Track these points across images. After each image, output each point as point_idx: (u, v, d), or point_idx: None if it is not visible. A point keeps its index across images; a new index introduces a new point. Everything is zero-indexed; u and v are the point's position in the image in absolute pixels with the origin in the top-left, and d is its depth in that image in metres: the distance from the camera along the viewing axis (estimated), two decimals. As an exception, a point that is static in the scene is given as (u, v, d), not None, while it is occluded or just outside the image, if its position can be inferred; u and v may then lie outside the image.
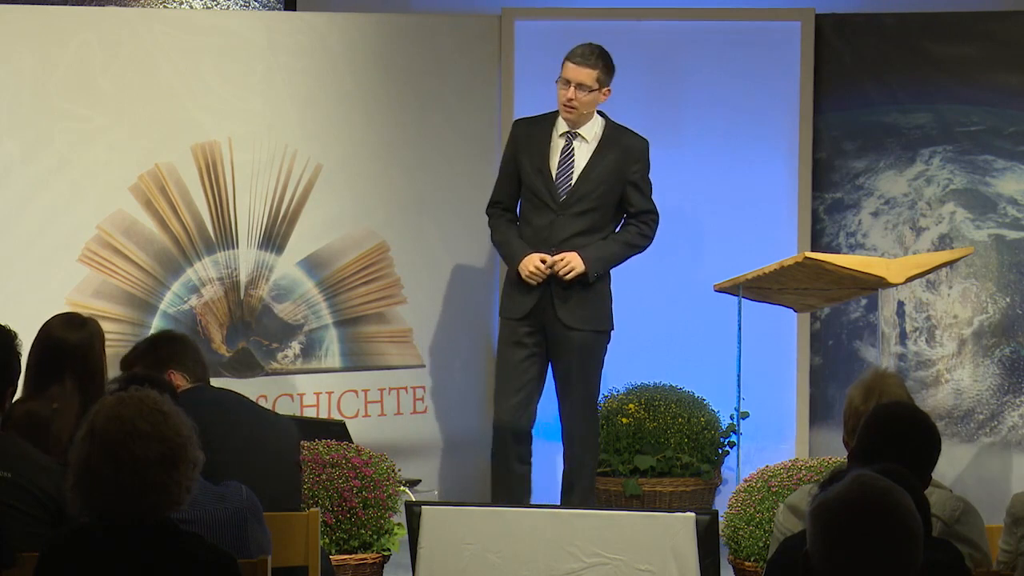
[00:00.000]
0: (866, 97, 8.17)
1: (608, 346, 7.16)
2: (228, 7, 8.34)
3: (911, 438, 4.05)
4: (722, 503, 6.90)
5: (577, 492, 7.07)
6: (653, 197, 7.19)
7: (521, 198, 7.17)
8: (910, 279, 7.32)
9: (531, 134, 7.14)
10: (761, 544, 6.03)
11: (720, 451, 7.82)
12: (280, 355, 7.78)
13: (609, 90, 7.08)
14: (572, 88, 7.01)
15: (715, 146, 8.19)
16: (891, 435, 4.03)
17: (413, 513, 5.29)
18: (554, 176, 7.06)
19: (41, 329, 4.86)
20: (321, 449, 6.29)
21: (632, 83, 8.16)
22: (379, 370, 7.91)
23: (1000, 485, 7.64)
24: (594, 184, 7.04)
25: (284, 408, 7.52)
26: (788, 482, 6.06)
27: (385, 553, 6.31)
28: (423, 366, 7.95)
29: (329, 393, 7.81)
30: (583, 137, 7.09)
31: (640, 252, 7.16)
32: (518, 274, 7.03)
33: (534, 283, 6.98)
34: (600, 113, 7.15)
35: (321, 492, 6.12)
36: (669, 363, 8.06)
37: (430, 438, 7.94)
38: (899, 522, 2.92)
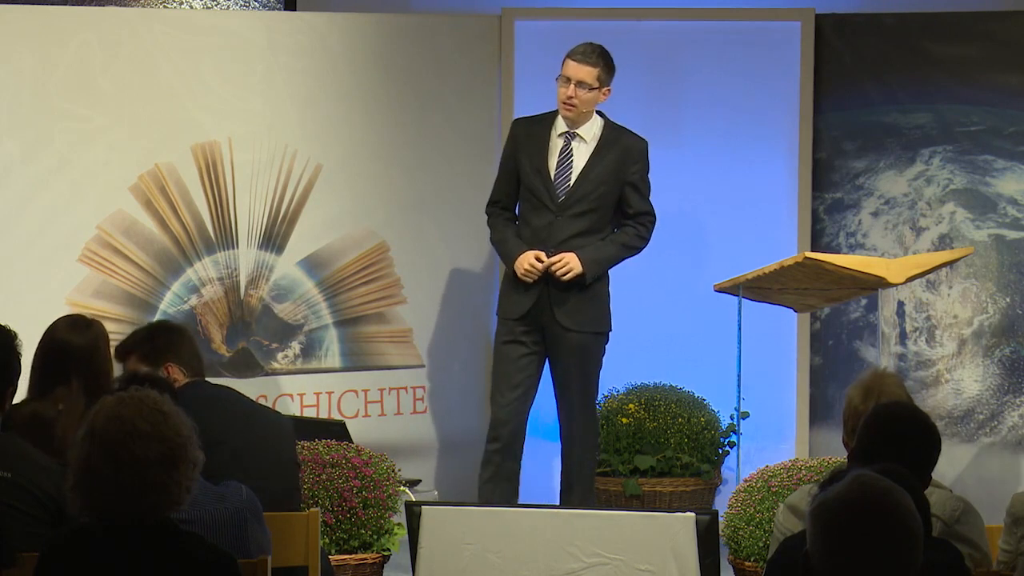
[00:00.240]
0: (866, 97, 8.17)
1: (606, 347, 7.16)
2: (228, 7, 8.34)
3: (911, 438, 4.05)
4: (722, 503, 6.91)
5: (577, 493, 7.07)
6: (653, 197, 7.19)
7: (520, 198, 7.16)
8: (910, 279, 7.32)
9: (530, 134, 7.13)
10: (761, 544, 6.03)
11: (720, 451, 7.82)
12: (280, 355, 7.78)
13: (609, 90, 7.07)
14: (572, 86, 7.00)
15: (715, 146, 8.19)
16: (891, 435, 4.03)
17: (413, 513, 5.29)
18: (552, 176, 7.05)
19: (46, 332, 4.85)
20: (321, 449, 6.29)
21: (632, 83, 8.16)
22: (379, 370, 7.91)
23: (1000, 485, 7.64)
24: (593, 185, 7.03)
25: (284, 408, 7.52)
26: (788, 482, 6.06)
27: (385, 553, 6.31)
28: (423, 366, 7.95)
29: (329, 393, 7.81)
30: (582, 137, 7.09)
31: (637, 254, 7.15)
32: (515, 273, 7.02)
33: (530, 280, 6.97)
34: (599, 113, 7.14)
35: (321, 492, 6.12)
36: (669, 363, 8.06)
37: (430, 438, 7.94)
38: (899, 522, 2.92)
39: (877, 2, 8.30)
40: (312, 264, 7.82)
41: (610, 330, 7.13)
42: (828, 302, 7.69)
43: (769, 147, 8.20)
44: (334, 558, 6.06)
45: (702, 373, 7.96)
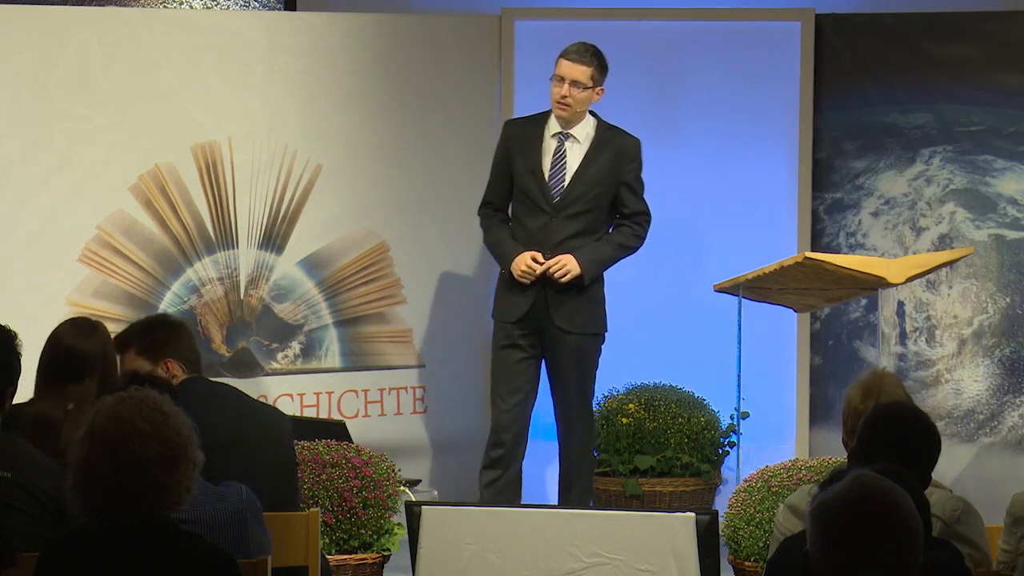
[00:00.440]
0: (866, 97, 8.17)
1: (602, 347, 7.16)
2: (228, 7, 8.34)
3: (911, 438, 4.05)
4: (722, 503, 6.91)
5: (575, 494, 7.07)
6: (653, 197, 7.19)
7: (513, 200, 7.14)
8: (910, 279, 7.32)
9: (523, 135, 7.12)
10: (761, 544, 6.03)
11: (720, 451, 7.82)
12: (280, 355, 7.78)
13: (602, 89, 7.07)
14: (566, 85, 7.00)
15: (715, 146, 8.19)
16: (891, 435, 4.03)
17: (413, 513, 5.28)
18: (547, 178, 7.04)
19: (51, 337, 4.83)
20: (321, 449, 6.29)
21: (632, 83, 8.16)
22: (379, 370, 7.91)
23: (1000, 485, 7.63)
24: (588, 186, 7.02)
25: (284, 408, 7.52)
26: (788, 482, 6.06)
27: (385, 553, 6.31)
28: (423, 366, 7.95)
29: (329, 393, 7.81)
30: (575, 138, 7.08)
31: (633, 253, 7.15)
32: (511, 275, 7.01)
33: (527, 282, 6.96)
34: (592, 113, 7.14)
35: (321, 492, 6.12)
36: (669, 363, 8.05)
37: (430, 438, 7.94)
38: (899, 522, 2.92)
39: (877, 2, 8.30)
40: (312, 264, 7.82)
41: (606, 331, 7.12)
42: (828, 302, 7.69)
43: (769, 147, 8.20)
44: (334, 558, 6.06)
45: (702, 373, 7.96)
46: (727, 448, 7.83)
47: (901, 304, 8.13)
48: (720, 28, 8.19)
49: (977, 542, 4.32)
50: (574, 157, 7.06)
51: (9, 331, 4.51)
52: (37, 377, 4.77)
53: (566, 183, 7.02)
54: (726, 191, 8.17)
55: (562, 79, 7.01)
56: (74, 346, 4.76)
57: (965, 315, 8.07)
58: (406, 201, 7.93)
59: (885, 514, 2.92)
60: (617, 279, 7.72)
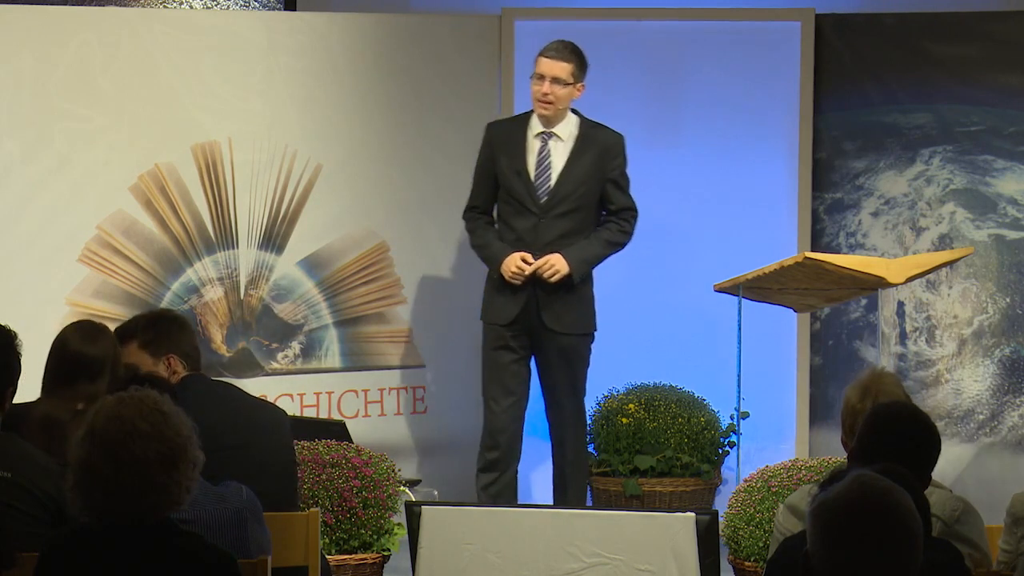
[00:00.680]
0: (866, 97, 8.17)
1: (592, 347, 7.14)
2: (228, 7, 8.34)
3: (911, 438, 4.05)
4: (722, 503, 6.91)
5: (571, 495, 7.06)
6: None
7: (499, 202, 7.13)
8: (910, 279, 7.32)
9: (506, 136, 7.10)
10: (761, 544, 6.03)
11: (720, 451, 7.82)
12: (280, 355, 7.78)
13: (583, 85, 7.07)
14: (547, 82, 6.99)
15: (715, 146, 8.19)
16: (891, 435, 4.03)
17: (413, 513, 5.29)
18: (533, 178, 7.03)
19: (57, 341, 4.82)
20: (321, 449, 6.29)
21: (632, 83, 8.16)
22: (379, 370, 7.91)
23: (1000, 485, 7.63)
24: (574, 185, 7.00)
25: (284, 408, 7.51)
26: (788, 482, 6.06)
27: (385, 553, 6.31)
28: (423, 366, 7.95)
29: (329, 393, 7.81)
30: (558, 136, 7.07)
31: (621, 249, 7.12)
32: (501, 277, 7.00)
33: (517, 283, 6.95)
34: (574, 111, 7.13)
35: (321, 492, 6.12)
36: (669, 363, 8.05)
37: (430, 438, 7.94)
38: (899, 522, 2.92)
39: (877, 2, 8.30)
40: (312, 264, 7.82)
41: (595, 330, 7.12)
42: (828, 302, 7.69)
43: (769, 147, 8.20)
44: (334, 558, 6.06)
45: (702, 373, 7.96)
46: (727, 448, 7.82)
47: (901, 304, 8.13)
48: (720, 28, 8.19)
49: (977, 542, 4.32)
50: (559, 156, 7.04)
51: (9, 331, 4.51)
52: (44, 379, 4.76)
53: (552, 183, 7.01)
54: (726, 191, 8.17)
55: (542, 77, 7.01)
56: (81, 351, 4.75)
57: (965, 315, 8.07)
58: (406, 201, 7.93)
59: (885, 514, 2.92)
60: (617, 279, 7.73)
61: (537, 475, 7.74)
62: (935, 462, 4.13)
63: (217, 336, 7.68)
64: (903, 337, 8.13)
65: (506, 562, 5.22)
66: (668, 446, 7.67)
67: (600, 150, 7.04)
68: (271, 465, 4.86)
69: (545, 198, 7.00)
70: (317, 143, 7.79)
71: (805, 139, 8.12)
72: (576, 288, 6.99)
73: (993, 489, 7.62)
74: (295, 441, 6.05)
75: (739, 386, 7.37)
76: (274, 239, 7.75)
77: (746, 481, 6.31)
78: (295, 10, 8.28)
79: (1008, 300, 8.04)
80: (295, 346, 7.81)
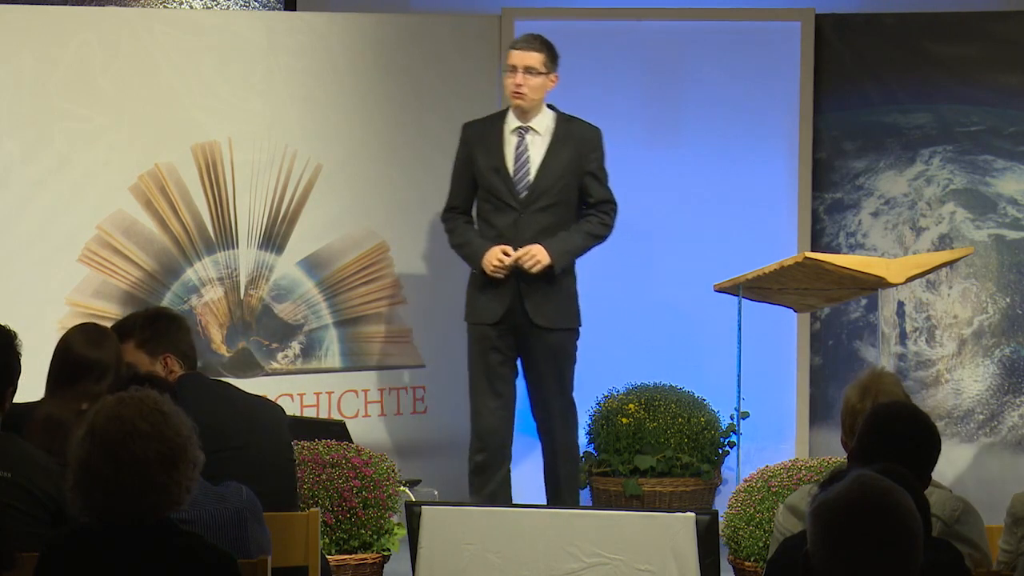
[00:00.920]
0: (866, 97, 8.17)
1: (578, 343, 7.13)
2: (228, 7, 8.34)
3: (911, 438, 4.05)
4: (722, 503, 6.90)
5: (564, 490, 7.04)
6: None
7: (478, 200, 7.12)
8: (910, 279, 7.32)
9: (483, 134, 7.10)
10: (761, 544, 6.03)
11: (720, 451, 7.82)
12: (280, 355, 7.78)
13: (556, 76, 7.07)
14: (520, 73, 6.99)
15: (715, 146, 8.19)
16: (891, 435, 4.03)
17: (413, 513, 5.29)
18: (512, 174, 7.02)
19: (61, 344, 4.82)
20: (321, 449, 6.29)
21: (632, 83, 8.16)
22: (379, 370, 7.91)
23: (1000, 485, 7.63)
24: (554, 178, 6.99)
25: (284, 408, 7.51)
26: (788, 482, 6.06)
27: (385, 553, 6.31)
28: (423, 366, 7.95)
29: (329, 393, 7.81)
30: (535, 131, 7.06)
31: (602, 242, 7.11)
32: (483, 274, 6.98)
33: (500, 276, 6.93)
34: (550, 106, 7.12)
35: (321, 492, 6.12)
36: (669, 363, 8.05)
37: (430, 438, 7.93)
38: (899, 522, 2.92)
39: (877, 2, 8.30)
40: (312, 264, 7.82)
41: (580, 326, 7.09)
42: (828, 302, 7.69)
43: (769, 147, 8.20)
44: (334, 558, 6.06)
45: (702, 373, 7.96)
46: (727, 448, 7.83)
47: (901, 304, 8.13)
48: (720, 28, 8.19)
49: (977, 542, 4.32)
50: (536, 150, 7.04)
51: (9, 331, 4.51)
52: (47, 382, 4.76)
53: (532, 177, 7.00)
54: (726, 191, 8.17)
55: (514, 68, 7.01)
56: (85, 355, 4.75)
57: (965, 315, 8.07)
58: (406, 201, 7.93)
59: (885, 514, 2.92)
60: (617, 279, 7.74)
61: (531, 474, 7.73)
62: (935, 462, 4.12)
63: (217, 336, 7.68)
64: (903, 337, 8.13)
65: (506, 562, 5.22)
66: (668, 446, 7.67)
67: (578, 143, 7.03)
68: (270, 464, 4.86)
69: (525, 193, 6.99)
70: (317, 143, 7.79)
71: (805, 139, 8.12)
72: (560, 283, 6.97)
73: (993, 489, 7.62)
74: (295, 441, 6.06)
75: (739, 386, 7.37)
76: (274, 239, 7.75)
77: (746, 481, 6.31)
78: (295, 10, 8.28)
79: (1008, 300, 8.04)
80: (295, 346, 7.81)
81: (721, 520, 6.06)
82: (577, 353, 7.12)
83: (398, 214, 7.91)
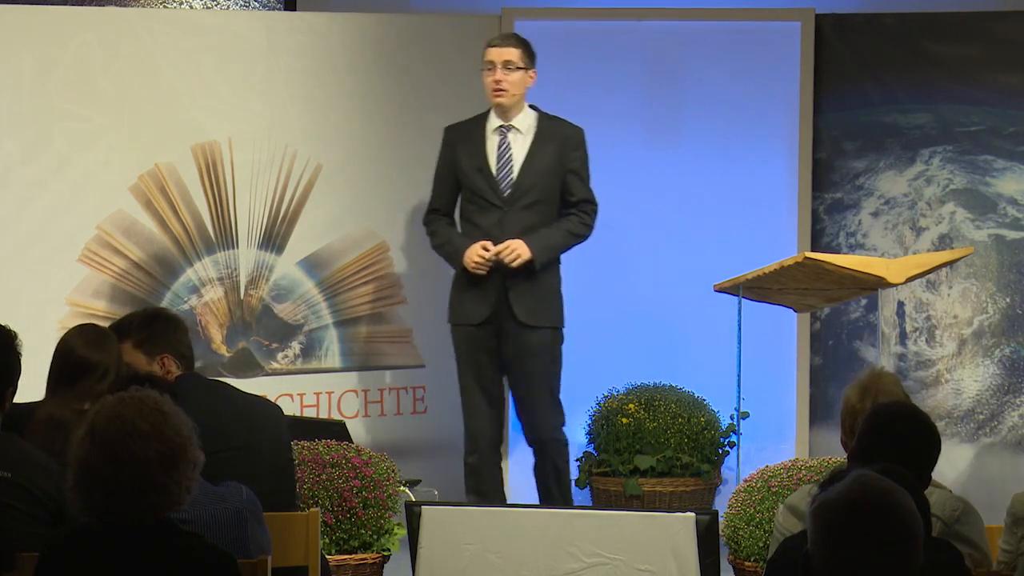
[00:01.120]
0: (866, 97, 8.18)
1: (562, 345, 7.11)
2: (228, 7, 8.34)
3: (911, 438, 4.05)
4: (722, 503, 6.90)
5: (557, 486, 7.02)
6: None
7: (462, 201, 7.11)
8: (910, 279, 7.32)
9: (464, 135, 7.09)
10: (761, 544, 6.03)
11: (720, 451, 7.82)
12: (280, 355, 7.78)
13: (535, 73, 7.06)
14: (498, 69, 6.99)
15: (715, 146, 8.19)
16: (891, 435, 4.03)
17: (413, 513, 5.29)
18: (495, 172, 7.01)
19: (61, 346, 4.82)
20: (321, 449, 6.29)
21: (632, 83, 8.16)
22: (379, 370, 7.91)
23: (1000, 485, 7.63)
24: (537, 176, 6.98)
25: (284, 408, 7.50)
26: (788, 482, 6.06)
27: (385, 553, 6.31)
28: (423, 366, 7.95)
29: (329, 393, 7.81)
30: (517, 129, 7.05)
31: (582, 242, 7.09)
32: (466, 276, 6.97)
33: (482, 272, 6.92)
34: (532, 107, 7.12)
35: (321, 492, 6.12)
36: (669, 363, 8.05)
37: (430, 438, 7.93)
38: (899, 522, 2.92)
39: (877, 2, 8.30)
40: (312, 264, 7.82)
41: (563, 326, 7.07)
42: (828, 302, 7.69)
43: (769, 147, 8.20)
44: (334, 558, 6.06)
45: (702, 373, 7.96)
46: (727, 448, 7.83)
47: (901, 304, 8.13)
48: (720, 28, 8.19)
49: (977, 542, 4.32)
50: (519, 148, 7.03)
51: (9, 331, 4.51)
52: (47, 383, 4.76)
53: (515, 175, 6.99)
54: (726, 191, 8.17)
55: (492, 64, 7.00)
56: (86, 356, 4.75)
57: (965, 315, 8.07)
58: (406, 201, 7.93)
59: (885, 514, 2.92)
60: (617, 279, 7.73)
61: (529, 473, 7.73)
62: (935, 462, 4.12)
63: (217, 336, 7.68)
64: (903, 337, 8.13)
65: (506, 562, 5.22)
66: (668, 446, 7.67)
67: (560, 141, 7.02)
68: (269, 464, 4.86)
69: (508, 191, 6.98)
70: (317, 143, 7.80)
71: (805, 139, 8.12)
72: (545, 282, 6.96)
73: (993, 489, 7.62)
74: (295, 441, 6.07)
75: (739, 386, 7.37)
76: (274, 239, 7.75)
77: (746, 481, 6.31)
78: (295, 10, 8.29)
79: (1008, 300, 8.04)
80: (295, 346, 7.81)
81: (721, 520, 6.06)
82: (562, 353, 7.07)
83: (398, 214, 7.91)
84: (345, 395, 7.84)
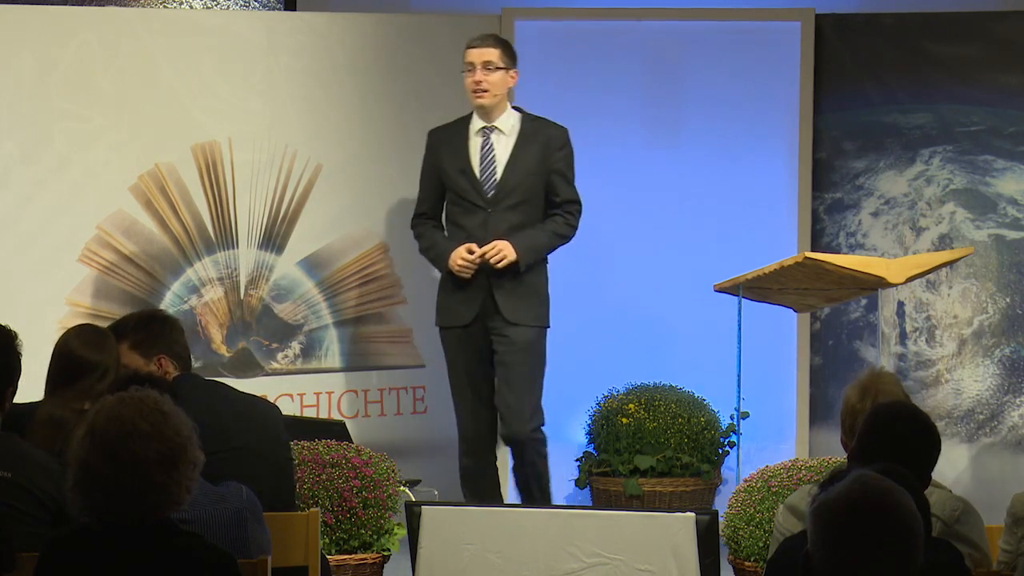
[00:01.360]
0: (866, 97, 8.18)
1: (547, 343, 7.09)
2: (228, 7, 8.34)
3: (911, 438, 4.05)
4: (722, 503, 6.90)
5: (537, 496, 6.97)
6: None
7: (447, 204, 7.09)
8: (910, 279, 7.32)
9: (448, 139, 7.07)
10: (761, 544, 6.03)
11: (720, 451, 7.82)
12: (280, 355, 7.78)
13: (516, 72, 7.05)
14: (478, 70, 6.98)
15: (715, 146, 8.19)
16: (891, 435, 4.03)
17: (413, 513, 5.29)
18: (478, 174, 6.99)
19: (60, 346, 4.82)
20: (321, 449, 6.29)
21: (632, 83, 8.16)
22: (379, 370, 7.91)
23: (1000, 485, 7.64)
24: (521, 175, 6.96)
25: (284, 408, 7.51)
26: (788, 482, 6.06)
27: (385, 553, 6.31)
28: (423, 366, 7.95)
29: (329, 393, 7.81)
30: (500, 130, 7.03)
31: (567, 243, 7.07)
32: (452, 279, 6.96)
33: (466, 275, 6.91)
34: (516, 107, 7.11)
35: (321, 492, 6.12)
36: (669, 363, 8.05)
37: (430, 438, 7.93)
38: (900, 522, 2.92)
39: (877, 2, 8.30)
40: (312, 264, 7.82)
41: (548, 326, 7.05)
42: (828, 302, 7.69)
43: (769, 147, 8.20)
44: (334, 558, 6.06)
45: (702, 373, 7.96)
46: (727, 448, 7.83)
47: (901, 304, 8.13)
48: (720, 28, 8.19)
49: (977, 542, 4.32)
50: (502, 149, 7.01)
51: (9, 331, 4.51)
52: (46, 384, 4.76)
53: (499, 176, 6.97)
54: (726, 191, 8.17)
55: (472, 65, 6.99)
56: (86, 357, 4.75)
57: (965, 315, 8.07)
58: (406, 201, 7.92)
59: (885, 514, 2.92)
60: (616, 278, 7.72)
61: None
62: (935, 462, 4.12)
63: (217, 336, 7.68)
64: (903, 337, 8.13)
65: (506, 562, 5.22)
66: (668, 446, 7.67)
67: (544, 141, 6.99)
68: (268, 464, 4.86)
69: (492, 192, 6.97)
70: (317, 143, 7.80)
71: (805, 139, 8.12)
72: (531, 282, 6.94)
73: (993, 489, 7.62)
74: (295, 441, 6.07)
75: (739, 386, 7.37)
76: (274, 239, 7.75)
77: (746, 481, 6.31)
78: (295, 10, 8.28)
79: (1008, 300, 8.04)
80: (295, 346, 7.81)
81: (721, 520, 6.06)
82: (546, 353, 7.04)
83: (398, 214, 7.91)
84: (345, 395, 7.85)
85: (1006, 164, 8.04)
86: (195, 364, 7.26)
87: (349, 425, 7.10)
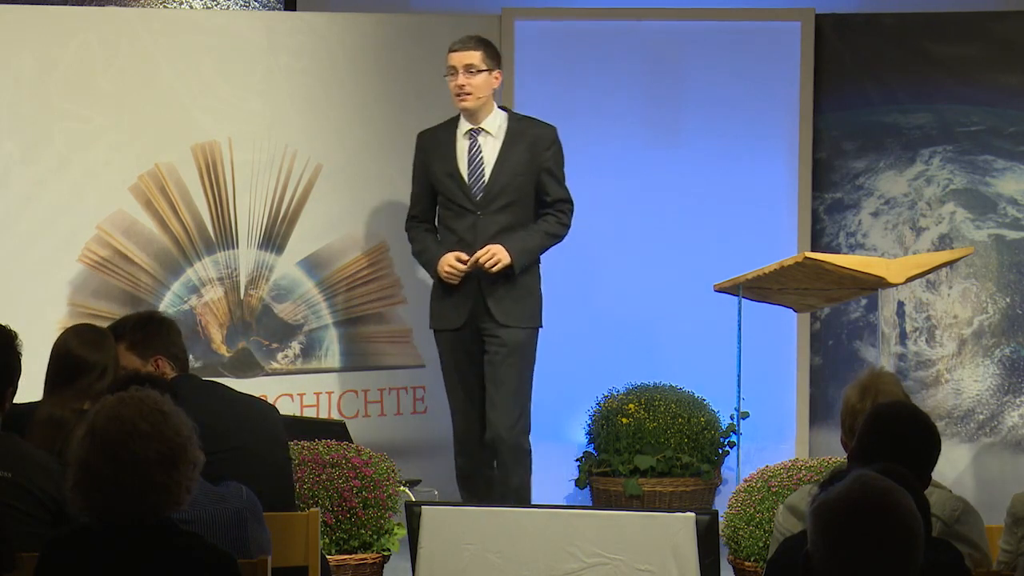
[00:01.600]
0: (866, 97, 8.18)
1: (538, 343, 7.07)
2: (228, 7, 8.34)
3: (911, 438, 4.05)
4: (722, 503, 6.90)
5: (516, 492, 6.93)
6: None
7: (439, 208, 7.08)
8: (910, 279, 7.32)
9: (436, 142, 7.06)
10: (761, 544, 6.03)
11: (720, 451, 7.82)
12: (280, 355, 7.78)
13: (500, 73, 7.03)
14: (460, 74, 6.96)
15: (715, 146, 8.19)
16: (891, 435, 4.03)
17: (413, 513, 5.29)
18: (466, 177, 6.97)
19: (58, 346, 4.82)
20: (321, 449, 6.29)
21: (632, 83, 8.16)
22: (379, 370, 7.91)
23: (1000, 485, 7.64)
24: (510, 176, 6.95)
25: (284, 408, 7.52)
26: (788, 482, 6.06)
27: (385, 553, 6.31)
28: (423, 366, 7.95)
29: (329, 393, 7.81)
30: (487, 132, 7.01)
31: (560, 242, 7.05)
32: (443, 283, 6.95)
33: (454, 282, 6.90)
34: (503, 108, 7.10)
35: (321, 492, 6.12)
36: (669, 363, 8.06)
37: (430, 438, 7.93)
38: (900, 522, 2.92)
39: (877, 2, 8.30)
40: (312, 264, 7.82)
41: (541, 326, 7.03)
42: (828, 302, 7.69)
43: (769, 147, 8.20)
44: (334, 558, 6.06)
45: (702, 373, 7.96)
46: (727, 448, 7.83)
47: (901, 304, 8.13)
48: (720, 28, 8.19)
49: (977, 542, 4.32)
50: (490, 150, 7.00)
51: (9, 331, 4.51)
52: (45, 384, 4.76)
53: (487, 178, 6.96)
54: (726, 191, 8.17)
55: (455, 69, 6.98)
56: (85, 357, 4.75)
57: (965, 315, 8.07)
58: (406, 201, 7.91)
59: (886, 514, 2.92)
60: (616, 278, 7.72)
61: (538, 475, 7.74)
62: (935, 462, 4.13)
63: (217, 336, 7.68)
64: (903, 337, 8.13)
65: (506, 562, 5.23)
66: (668, 446, 7.67)
67: (532, 140, 6.97)
68: (267, 464, 4.86)
69: (481, 194, 6.95)
70: (317, 143, 7.80)
71: (805, 139, 8.12)
72: (522, 282, 6.93)
73: (993, 489, 7.63)
74: (295, 441, 6.07)
75: (739, 386, 7.37)
76: (274, 239, 7.75)
77: (746, 481, 6.31)
78: (295, 10, 8.29)
79: (1008, 300, 8.04)
80: (295, 346, 7.81)
81: (721, 520, 6.06)
82: (536, 354, 7.03)
83: (398, 214, 7.90)
84: (345, 395, 7.85)
85: (1006, 164, 8.04)
86: (195, 364, 7.29)
87: (349, 425, 7.10)
